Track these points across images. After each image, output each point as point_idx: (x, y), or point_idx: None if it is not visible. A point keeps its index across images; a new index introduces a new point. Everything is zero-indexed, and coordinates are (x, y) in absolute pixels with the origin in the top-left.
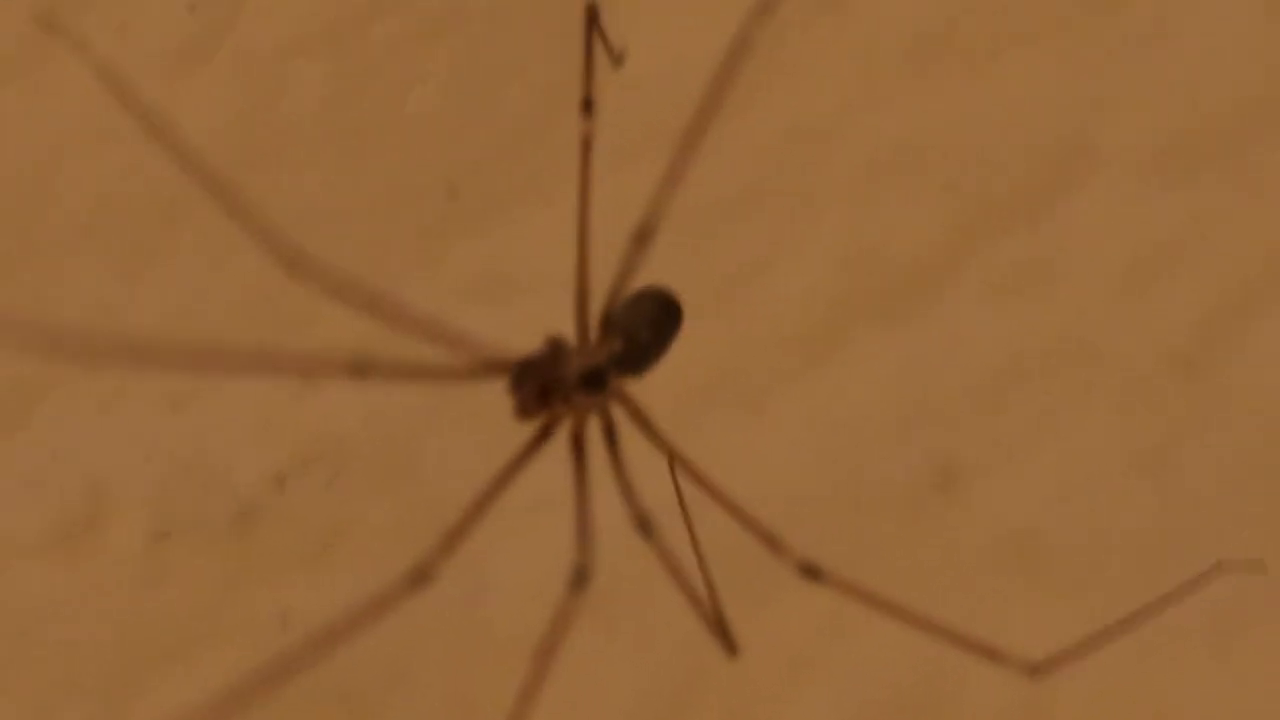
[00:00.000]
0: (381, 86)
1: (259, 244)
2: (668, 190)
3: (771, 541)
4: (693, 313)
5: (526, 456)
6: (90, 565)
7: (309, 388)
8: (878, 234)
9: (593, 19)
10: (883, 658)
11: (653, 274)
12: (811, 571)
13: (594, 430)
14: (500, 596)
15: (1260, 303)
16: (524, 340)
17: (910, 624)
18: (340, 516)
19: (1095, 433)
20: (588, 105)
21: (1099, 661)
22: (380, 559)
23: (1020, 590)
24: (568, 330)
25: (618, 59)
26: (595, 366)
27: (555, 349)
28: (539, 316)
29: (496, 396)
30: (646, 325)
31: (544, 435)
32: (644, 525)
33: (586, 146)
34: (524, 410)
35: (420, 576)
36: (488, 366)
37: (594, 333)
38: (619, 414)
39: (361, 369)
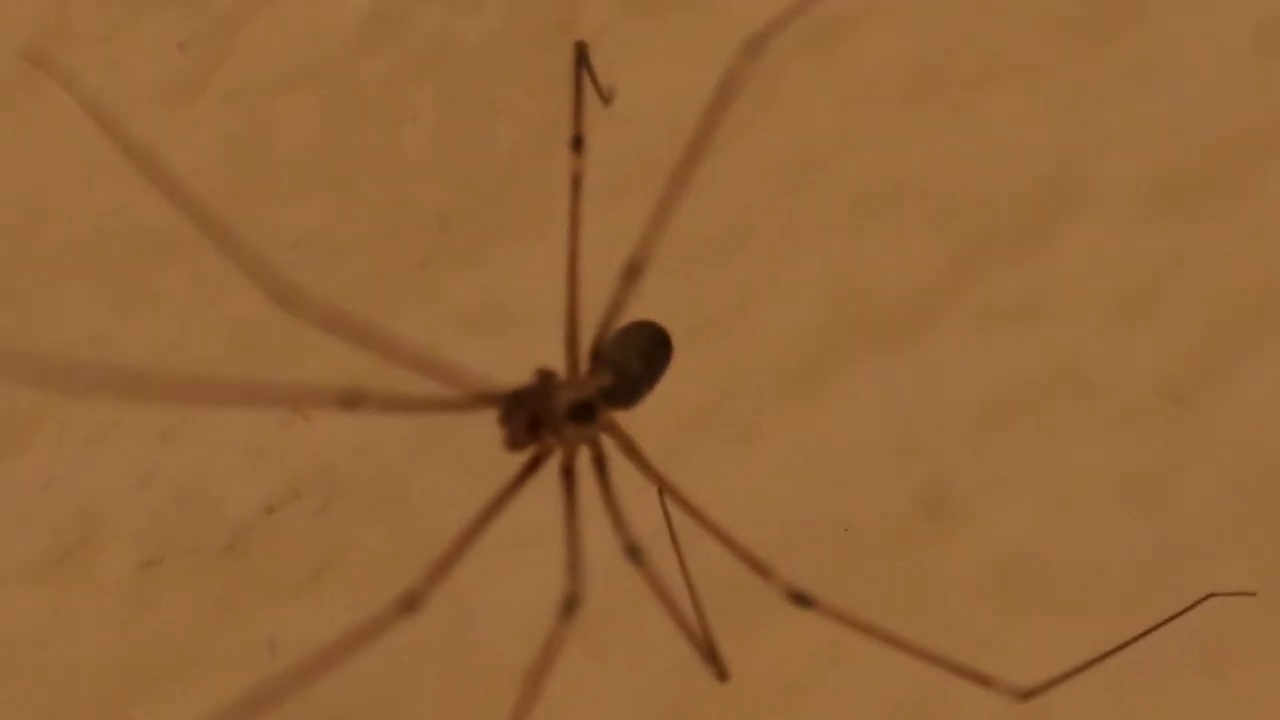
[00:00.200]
0: (372, 122)
1: (251, 277)
2: (657, 226)
3: (761, 569)
4: (683, 345)
5: (516, 487)
6: (81, 591)
7: (300, 418)
8: (868, 267)
9: (582, 56)
10: (874, 684)
11: (643, 307)
12: (801, 599)
13: (584, 461)
14: (490, 623)
15: (1249, 334)
16: (514, 373)
17: (901, 649)
18: (331, 545)
19: (1085, 462)
20: (578, 142)
21: (1090, 686)
22: (370, 587)
23: (1010, 619)
24: (558, 363)
25: (607, 96)
26: (585, 399)
27: (545, 381)
28: (529, 349)
29: (487, 428)
30: (637, 358)
31: (534, 466)
32: (634, 552)
33: (576, 183)
34: (514, 442)
35: (410, 603)
36: (478, 398)
37: (584, 365)
38: (609, 445)
39: (352, 401)
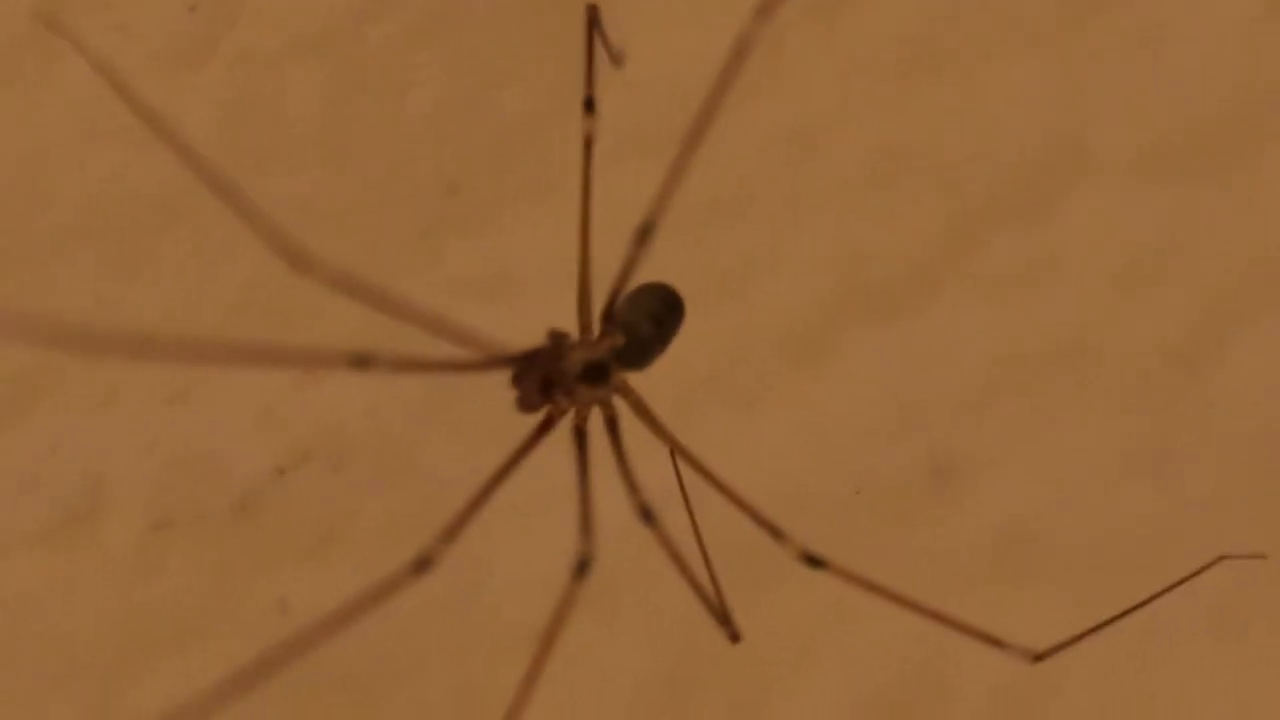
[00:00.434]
0: (381, 85)
1: (260, 239)
2: (669, 188)
3: (773, 530)
4: (691, 309)
5: (528, 448)
6: (90, 555)
7: (310, 379)
8: (873, 234)
9: (594, 18)
10: (885, 645)
11: (653, 270)
12: (814, 560)
13: (596, 422)
14: (502, 585)
15: (1256, 301)
16: (524, 336)
17: (914, 611)
18: (341, 508)
19: (1092, 430)
20: (589, 104)
21: (1100, 649)
22: (381, 550)
23: (1018, 585)
24: (569, 326)
25: (618, 59)
26: (598, 360)
27: (558, 343)
28: (539, 313)
29: (499, 389)
30: (648, 320)
31: (546, 428)
32: (646, 514)
33: (588, 145)
34: (527, 403)
35: (421, 564)
36: (490, 360)
37: (596, 327)
38: (621, 406)
39: (363, 362)
